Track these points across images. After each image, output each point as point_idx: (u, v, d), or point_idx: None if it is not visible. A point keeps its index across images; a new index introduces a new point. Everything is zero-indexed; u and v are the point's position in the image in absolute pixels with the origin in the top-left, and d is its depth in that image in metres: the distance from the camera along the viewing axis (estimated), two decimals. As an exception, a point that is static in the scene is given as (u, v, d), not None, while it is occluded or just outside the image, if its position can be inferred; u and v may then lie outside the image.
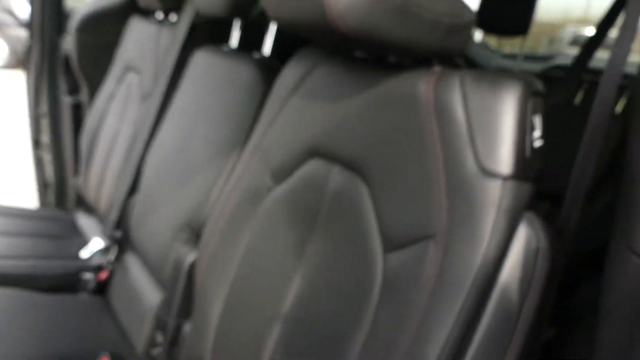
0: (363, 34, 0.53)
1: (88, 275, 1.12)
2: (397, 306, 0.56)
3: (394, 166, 0.60)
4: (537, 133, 0.53)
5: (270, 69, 0.91)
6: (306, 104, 0.74)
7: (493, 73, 0.55)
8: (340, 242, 0.65)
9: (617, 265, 0.37)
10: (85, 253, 1.15)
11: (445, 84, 0.57)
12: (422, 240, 0.55)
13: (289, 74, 0.80)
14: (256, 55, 0.99)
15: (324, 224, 0.68)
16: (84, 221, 1.42)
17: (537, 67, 1.64)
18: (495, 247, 0.51)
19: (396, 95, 0.62)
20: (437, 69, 0.62)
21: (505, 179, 0.51)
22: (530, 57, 1.73)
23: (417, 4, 0.53)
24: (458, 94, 0.55)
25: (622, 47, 0.50)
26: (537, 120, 0.54)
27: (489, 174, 0.52)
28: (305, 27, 0.58)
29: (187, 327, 0.89)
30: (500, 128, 0.51)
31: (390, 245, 0.59)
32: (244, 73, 0.94)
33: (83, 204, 1.49)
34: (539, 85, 0.55)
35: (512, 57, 1.63)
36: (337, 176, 0.68)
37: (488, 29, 1.42)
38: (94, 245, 1.15)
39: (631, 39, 0.50)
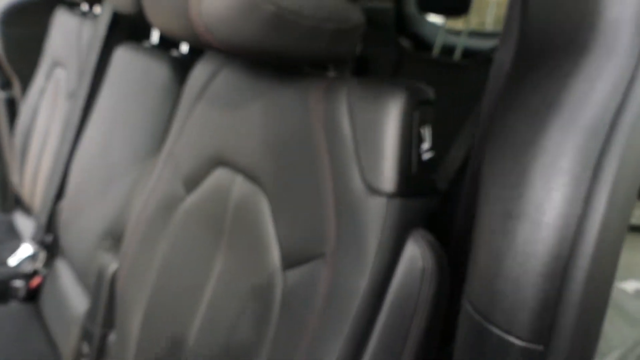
0: (237, 46, 0.50)
1: (18, 283, 1.08)
2: (293, 325, 0.55)
3: (289, 180, 0.57)
4: (426, 145, 0.51)
5: (185, 68, 0.87)
6: (211, 110, 0.71)
7: (382, 82, 0.53)
8: (243, 257, 0.63)
9: (461, 313, 0.36)
10: (13, 260, 1.11)
11: (333, 94, 0.54)
12: (314, 259, 0.54)
13: (197, 76, 0.76)
14: (174, 53, 0.94)
15: (228, 237, 0.66)
16: (23, 223, 1.37)
17: (485, 43, 1.61)
18: (381, 268, 0.49)
19: (290, 103, 0.59)
20: (330, 73, 0.59)
21: (389, 196, 0.49)
22: (477, 34, 1.70)
23: (293, 12, 0.49)
24: (344, 106, 0.53)
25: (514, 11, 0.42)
26: (426, 132, 0.51)
27: (374, 191, 0.50)
28: (183, 39, 0.54)
29: (112, 338, 0.87)
30: (383, 143, 0.49)
31: (288, 262, 0.57)
32: (159, 72, 0.90)
33: (21, 204, 1.44)
34: (429, 93, 0.52)
35: (459, 33, 1.60)
36: (240, 187, 0.65)
37: (429, 10, 1.39)
38: (23, 252, 1.11)
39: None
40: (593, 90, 0.29)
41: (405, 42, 1.53)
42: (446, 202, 0.54)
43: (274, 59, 0.56)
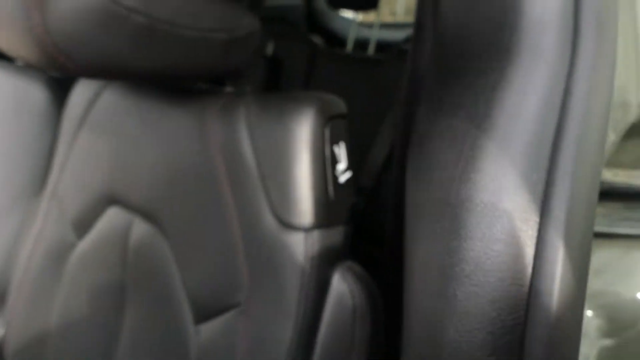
0: (103, 70, 0.41)
1: None
2: (214, 388, 0.47)
3: (191, 219, 0.49)
4: (342, 165, 0.45)
5: (67, 90, 0.75)
6: (95, 140, 0.61)
7: (284, 97, 0.45)
8: (151, 310, 0.54)
9: None
10: None
11: (230, 114, 0.46)
12: (229, 310, 0.46)
13: (76, 100, 0.65)
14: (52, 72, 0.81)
15: (133, 288, 0.56)
16: None
17: (397, 35, 1.58)
18: (307, 312, 0.42)
19: (184, 127, 0.50)
20: (228, 89, 0.51)
21: (306, 230, 0.42)
22: (388, 25, 1.67)
23: (170, 23, 0.41)
24: (243, 128, 0.45)
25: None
26: (341, 150, 0.45)
27: (288, 226, 0.42)
28: (34, 64, 0.44)
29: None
30: (292, 169, 0.42)
31: (200, 315, 0.49)
32: (35, 96, 0.77)
33: None
34: (340, 105, 0.46)
35: (371, 26, 1.57)
36: (138, 229, 0.56)
37: (338, 5, 1.34)
38: None
39: None
40: (526, 105, 0.24)
41: (318, 39, 1.47)
42: (372, 203, 0.49)
43: (157, 79, 0.47)
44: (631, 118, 0.34)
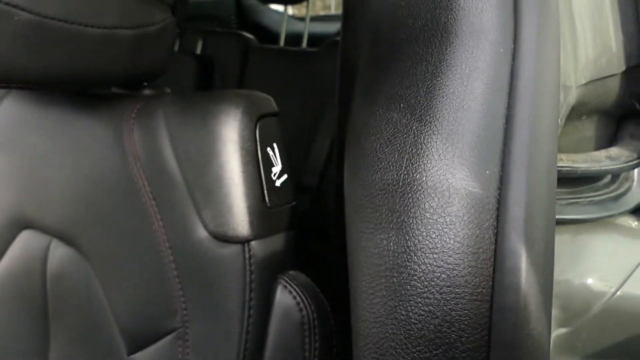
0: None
1: None
2: None
3: (114, 240, 0.44)
4: (278, 168, 0.41)
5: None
6: (1, 157, 0.54)
7: (207, 97, 0.41)
8: (79, 342, 0.49)
9: None
10: None
11: (148, 119, 0.41)
12: (165, 337, 0.41)
13: (-27, 113, 0.57)
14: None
15: (56, 320, 0.50)
16: None
17: (330, 27, 1.56)
18: (251, 332, 0.39)
19: (98, 138, 0.45)
20: (146, 91, 0.46)
21: (244, 242, 0.38)
22: (321, 18, 1.65)
23: (65, 21, 0.35)
24: (164, 133, 0.40)
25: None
26: (275, 150, 0.41)
27: (223, 240, 0.38)
28: None
29: None
30: (223, 178, 0.38)
31: (133, 344, 0.44)
32: None
33: None
34: (270, 102, 0.42)
35: (303, 20, 1.54)
36: (56, 254, 0.50)
37: (267, 0, 1.29)
38: None
39: None
40: (472, 90, 0.21)
41: (249, 35, 1.42)
42: (317, 200, 0.46)
43: (60, 85, 0.42)
44: (572, 101, 0.33)
